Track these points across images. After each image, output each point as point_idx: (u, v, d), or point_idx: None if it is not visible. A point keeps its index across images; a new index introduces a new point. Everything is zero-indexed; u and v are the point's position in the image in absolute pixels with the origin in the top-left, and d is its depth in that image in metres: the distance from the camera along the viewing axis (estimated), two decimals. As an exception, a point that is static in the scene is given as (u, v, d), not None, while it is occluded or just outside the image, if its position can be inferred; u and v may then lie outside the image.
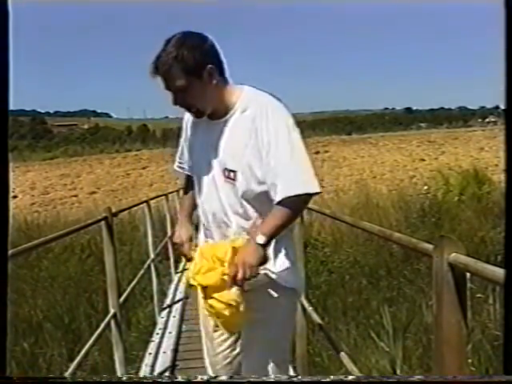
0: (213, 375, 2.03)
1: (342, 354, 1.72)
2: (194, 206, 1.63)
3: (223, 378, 0.77)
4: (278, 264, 1.47)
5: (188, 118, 1.56)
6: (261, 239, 1.35)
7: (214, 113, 1.43)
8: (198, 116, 1.44)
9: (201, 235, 1.61)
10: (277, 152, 1.35)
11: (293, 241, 1.63)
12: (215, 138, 1.44)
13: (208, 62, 1.36)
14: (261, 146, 1.37)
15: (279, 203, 1.36)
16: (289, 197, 1.34)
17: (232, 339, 1.62)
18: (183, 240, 1.59)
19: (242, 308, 1.33)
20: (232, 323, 1.41)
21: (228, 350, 1.63)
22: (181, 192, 2.03)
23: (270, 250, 1.43)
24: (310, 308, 2.24)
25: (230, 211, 1.46)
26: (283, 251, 1.48)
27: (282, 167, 1.35)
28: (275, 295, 1.49)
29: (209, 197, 1.49)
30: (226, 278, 1.32)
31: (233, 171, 1.41)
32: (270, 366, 1.54)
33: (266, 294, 1.48)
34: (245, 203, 1.44)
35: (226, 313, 1.34)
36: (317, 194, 1.39)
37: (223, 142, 1.43)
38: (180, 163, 1.68)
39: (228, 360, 1.63)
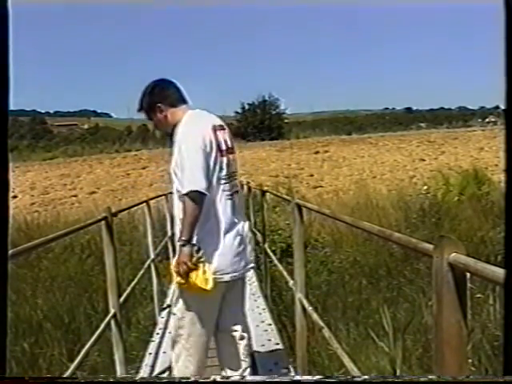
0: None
1: (343, 353, 1.72)
2: None
3: (217, 378, 0.76)
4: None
5: None
6: (180, 241, 1.91)
7: (172, 131, 2.05)
8: (167, 135, 2.13)
9: None
10: (178, 159, 1.93)
11: (213, 229, 2.03)
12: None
13: (156, 101, 2.07)
14: (176, 155, 1.95)
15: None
16: (185, 194, 1.88)
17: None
18: None
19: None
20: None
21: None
22: None
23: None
24: (310, 308, 2.24)
25: (176, 211, 2.06)
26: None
27: (180, 172, 1.92)
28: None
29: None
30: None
31: (171, 174, 2.02)
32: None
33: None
34: (178, 202, 2.00)
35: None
36: (199, 192, 1.86)
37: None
38: None
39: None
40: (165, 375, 2.76)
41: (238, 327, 2.21)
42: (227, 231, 2.01)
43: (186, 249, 1.88)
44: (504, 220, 0.77)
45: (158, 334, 3.56)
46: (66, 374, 1.75)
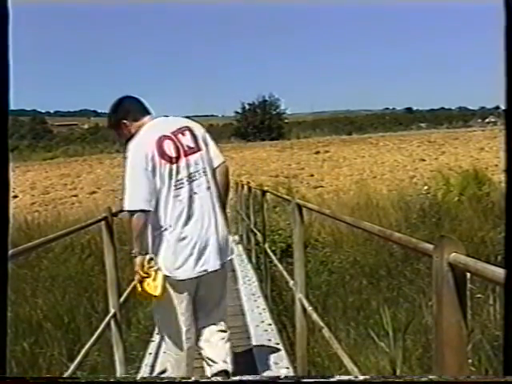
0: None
1: (343, 353, 1.72)
2: None
3: (218, 378, 0.76)
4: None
5: None
6: (131, 254, 2.07)
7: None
8: None
9: None
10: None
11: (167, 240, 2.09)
12: None
13: (121, 118, 2.17)
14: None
15: None
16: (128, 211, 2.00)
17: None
18: None
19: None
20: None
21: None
22: None
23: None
24: (310, 308, 2.24)
25: None
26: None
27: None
28: None
29: None
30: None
31: None
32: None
33: None
34: None
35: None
36: (138, 210, 1.97)
37: None
38: None
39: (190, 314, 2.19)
40: (165, 375, 2.76)
41: (215, 326, 2.26)
42: (178, 234, 2.05)
43: (138, 259, 2.03)
44: (504, 220, 0.77)
45: (157, 333, 3.56)
46: (66, 374, 1.76)
